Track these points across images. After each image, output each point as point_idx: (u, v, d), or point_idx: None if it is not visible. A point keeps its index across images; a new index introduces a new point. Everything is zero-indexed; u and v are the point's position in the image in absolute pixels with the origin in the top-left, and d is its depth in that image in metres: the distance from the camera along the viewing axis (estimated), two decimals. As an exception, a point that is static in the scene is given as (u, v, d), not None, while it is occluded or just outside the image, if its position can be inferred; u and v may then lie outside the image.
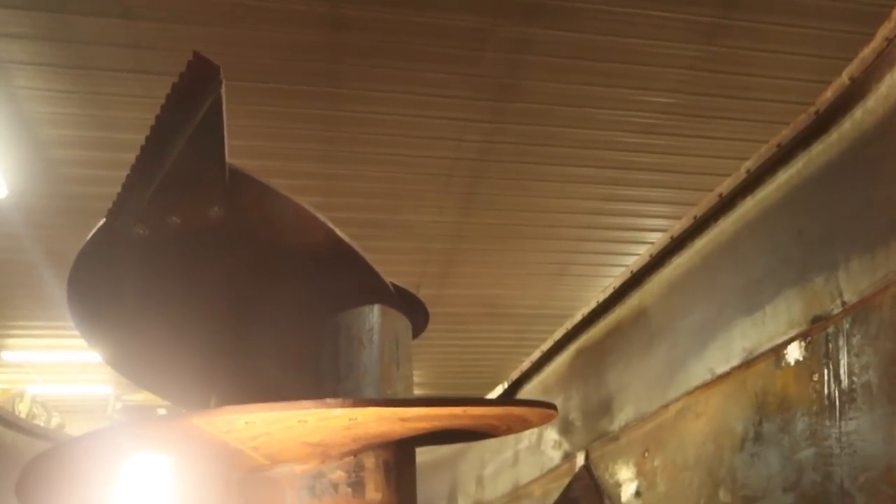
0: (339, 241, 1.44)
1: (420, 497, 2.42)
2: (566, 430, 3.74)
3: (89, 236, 1.41)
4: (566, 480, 3.46)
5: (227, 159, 1.31)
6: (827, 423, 1.95)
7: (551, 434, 3.93)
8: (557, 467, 3.74)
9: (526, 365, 4.46)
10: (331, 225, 1.44)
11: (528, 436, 4.26)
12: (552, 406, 1.49)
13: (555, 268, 7.58)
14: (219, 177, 1.32)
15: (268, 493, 1.39)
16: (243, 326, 1.60)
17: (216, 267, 1.52)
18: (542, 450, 4.01)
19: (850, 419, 1.87)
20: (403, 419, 1.28)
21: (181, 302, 1.58)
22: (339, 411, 1.19)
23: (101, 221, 1.39)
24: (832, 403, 1.95)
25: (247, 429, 1.21)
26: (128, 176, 1.31)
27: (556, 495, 3.54)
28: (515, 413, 1.47)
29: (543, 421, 1.60)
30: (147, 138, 1.26)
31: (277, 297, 1.57)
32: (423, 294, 2.00)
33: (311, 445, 1.34)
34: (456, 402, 1.26)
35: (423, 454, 5.09)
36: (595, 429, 3.39)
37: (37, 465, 1.32)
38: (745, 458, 2.26)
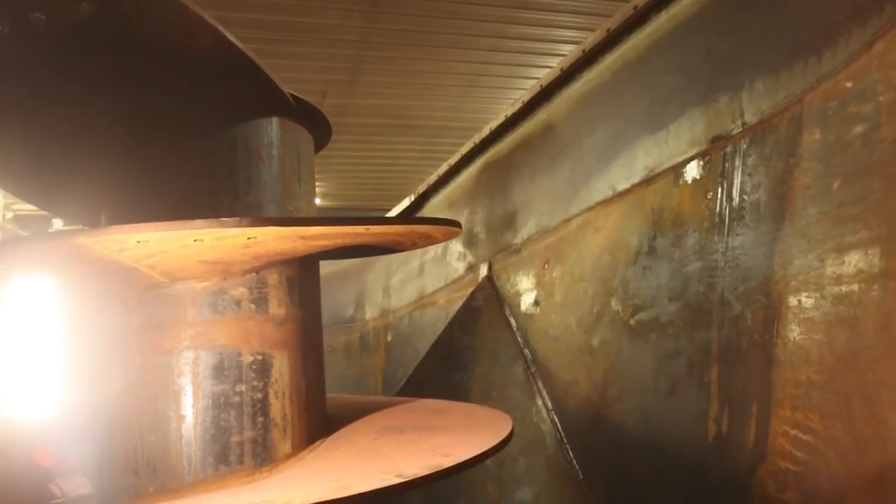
0: (231, 45, 1.31)
1: (327, 307, 2.48)
2: (471, 242, 3.85)
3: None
4: (469, 290, 3.61)
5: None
6: (715, 238, 2.06)
7: (456, 246, 4.04)
8: (461, 278, 3.89)
9: (433, 178, 4.46)
10: (220, 28, 1.29)
11: (434, 248, 4.37)
12: (456, 224, 1.49)
13: (465, 78, 7.41)
14: (85, -35, 1.14)
15: (167, 309, 1.36)
16: (131, 140, 1.47)
17: (95, 73, 1.36)
18: (448, 261, 4.14)
19: (737, 235, 1.98)
20: (304, 237, 1.24)
21: (59, 113, 1.43)
22: (236, 230, 1.14)
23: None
24: (722, 220, 2.05)
25: (139, 248, 1.14)
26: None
27: (459, 304, 3.71)
28: (419, 230, 1.46)
29: (448, 237, 1.60)
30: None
31: (166, 108, 1.44)
32: (327, 103, 1.89)
33: (210, 263, 1.30)
34: (358, 221, 1.23)
35: (330, 265, 5.19)
36: (498, 242, 3.49)
37: None
38: (638, 271, 2.39)
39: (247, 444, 1.35)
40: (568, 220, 2.87)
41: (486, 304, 3.39)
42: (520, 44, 6.86)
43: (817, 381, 1.65)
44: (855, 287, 1.57)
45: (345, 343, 5.59)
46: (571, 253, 2.83)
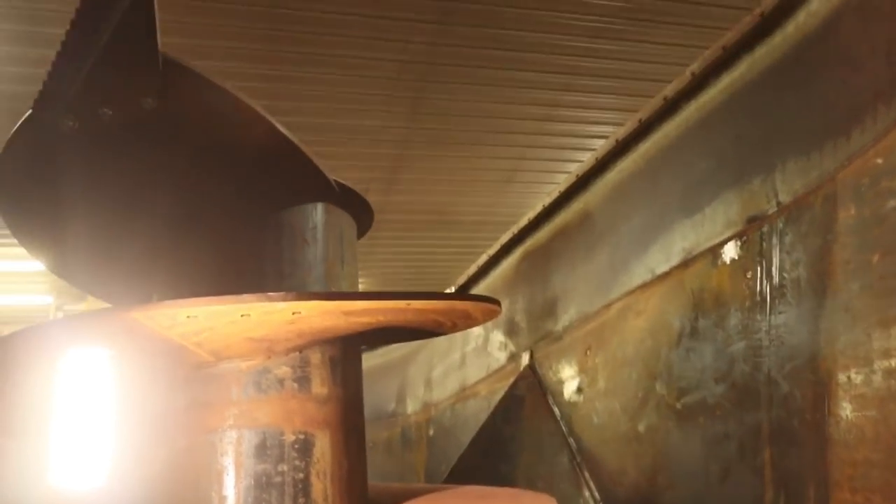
0: (280, 135, 1.40)
1: (370, 400, 2.48)
2: (512, 331, 3.84)
3: (14, 129, 1.34)
4: (511, 380, 3.58)
5: (161, 48, 1.24)
6: (758, 317, 2.04)
7: (497, 336, 4.03)
8: (503, 367, 3.86)
9: (472, 269, 4.52)
10: (271, 119, 1.39)
11: (475, 338, 4.37)
12: (495, 301, 1.52)
13: (502, 174, 7.58)
14: (151, 64, 1.25)
15: (213, 388, 1.39)
16: (184, 225, 1.55)
17: (153, 162, 1.46)
18: (489, 351, 4.13)
19: (780, 313, 1.96)
20: (347, 313, 1.28)
21: (118, 200, 1.52)
22: (281, 305, 1.18)
23: (27, 114, 1.32)
24: (763, 299, 2.03)
25: (189, 323, 1.19)
26: (53, 64, 1.23)
27: (501, 394, 3.67)
28: (459, 308, 1.49)
29: (487, 317, 1.63)
30: (72, 22, 1.18)
31: (217, 194, 1.53)
32: (370, 200, 1.97)
33: (256, 341, 1.34)
34: (399, 295, 1.27)
35: (374, 358, 5.22)
36: (539, 329, 3.48)
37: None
38: (681, 353, 2.37)
39: (288, 524, 1.35)
40: (608, 306, 2.87)
41: (528, 393, 3.35)
42: (554, 139, 7.04)
43: (875, 460, 1.58)
44: (904, 360, 1.53)
45: (386, 438, 5.52)
46: (613, 338, 2.81)
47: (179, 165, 1.44)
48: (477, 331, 4.35)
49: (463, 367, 4.54)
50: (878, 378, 1.61)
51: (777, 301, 1.98)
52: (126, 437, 1.26)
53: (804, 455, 1.82)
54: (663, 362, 2.46)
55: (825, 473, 1.74)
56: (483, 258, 4.47)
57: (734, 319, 2.14)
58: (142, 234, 1.56)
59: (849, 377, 1.69)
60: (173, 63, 1.28)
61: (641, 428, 2.54)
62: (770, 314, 1.99)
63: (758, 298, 2.05)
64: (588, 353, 3.00)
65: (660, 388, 2.46)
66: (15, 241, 1.61)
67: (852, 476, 1.65)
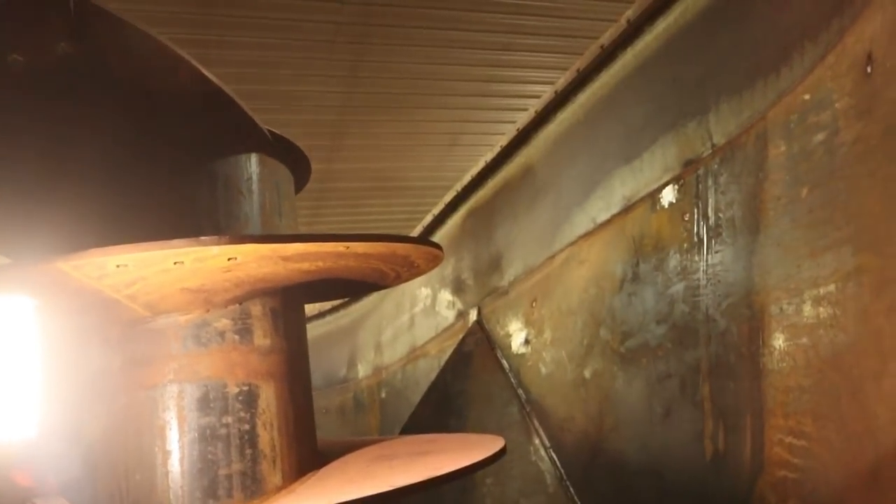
0: (208, 81, 1.35)
1: (319, 369, 2.44)
2: (459, 289, 3.86)
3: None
4: (460, 337, 3.60)
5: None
6: (696, 258, 2.09)
7: (445, 295, 4.05)
8: (451, 326, 3.89)
9: (418, 230, 4.51)
10: (197, 64, 1.33)
11: (423, 299, 4.38)
12: (436, 245, 1.51)
13: (446, 137, 7.54)
14: (63, 7, 1.19)
15: (151, 344, 1.35)
16: (112, 179, 1.49)
17: (74, 112, 1.39)
18: (437, 310, 4.14)
19: (716, 252, 2.01)
20: (285, 258, 1.25)
21: (41, 152, 1.45)
22: (215, 249, 1.15)
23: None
24: (700, 240, 2.08)
25: (119, 273, 1.15)
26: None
27: (450, 352, 3.70)
28: (400, 252, 1.47)
29: (430, 264, 1.62)
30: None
31: (146, 145, 1.47)
32: (312, 168, 1.92)
33: (192, 292, 1.30)
34: (338, 237, 1.25)
35: (323, 326, 5.18)
36: (486, 285, 3.51)
37: None
38: (624, 298, 2.41)
39: (235, 476, 1.33)
40: (552, 257, 2.90)
41: (477, 349, 3.38)
42: (496, 100, 7.02)
43: (806, 385, 1.65)
44: (832, 287, 1.59)
45: (339, 404, 5.52)
46: (558, 288, 2.84)
47: (102, 115, 1.37)
48: (425, 291, 4.35)
49: (412, 329, 4.55)
50: (807, 307, 1.66)
51: (713, 241, 2.02)
52: (61, 393, 1.22)
53: (741, 387, 1.88)
54: (607, 309, 2.50)
55: (760, 402, 1.80)
56: (428, 218, 4.47)
57: (673, 262, 2.18)
58: (65, 190, 1.49)
59: (781, 308, 1.75)
60: (87, 4, 1.22)
61: (587, 374, 2.59)
62: (707, 254, 2.04)
63: (695, 240, 2.09)
64: (534, 305, 3.03)
65: (604, 334, 2.51)
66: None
67: (785, 402, 1.71)
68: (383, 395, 4.93)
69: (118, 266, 1.13)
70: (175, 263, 1.16)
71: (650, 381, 2.25)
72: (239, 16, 5.15)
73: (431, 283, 4.22)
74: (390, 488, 1.13)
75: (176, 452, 1.31)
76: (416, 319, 4.51)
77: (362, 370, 5.35)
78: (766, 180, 1.84)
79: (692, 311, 2.09)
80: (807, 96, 1.72)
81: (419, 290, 4.41)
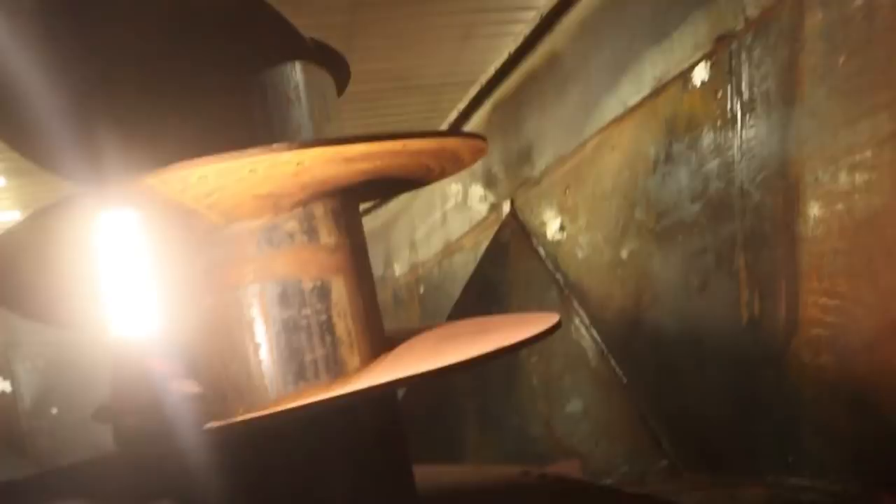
0: (249, -8, 1.39)
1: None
2: (490, 183, 3.93)
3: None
4: (495, 229, 3.71)
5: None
6: (729, 134, 2.13)
7: (476, 190, 4.13)
8: (485, 219, 3.99)
9: (444, 127, 4.53)
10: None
11: (454, 195, 4.47)
12: (482, 137, 1.58)
13: (459, 30, 7.38)
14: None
15: (229, 250, 1.46)
16: (160, 94, 1.56)
17: (118, 27, 1.45)
18: (469, 205, 4.23)
19: (751, 127, 2.05)
20: (348, 159, 1.33)
21: (87, 80, 1.52)
22: (287, 155, 1.23)
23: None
24: (734, 116, 2.12)
25: (200, 184, 1.24)
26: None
27: (486, 244, 3.81)
28: (449, 147, 1.54)
29: (474, 156, 1.68)
30: None
31: (192, 65, 1.53)
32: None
33: (262, 198, 1.40)
34: (395, 136, 1.32)
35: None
36: (517, 177, 3.57)
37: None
38: (658, 179, 2.47)
39: (320, 361, 1.47)
40: (583, 144, 2.95)
41: (513, 239, 3.49)
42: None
43: (841, 249, 1.73)
44: (868, 153, 1.64)
45: (379, 302, 5.72)
46: (590, 174, 2.90)
47: (144, 39, 1.43)
48: (455, 188, 4.43)
49: (445, 225, 4.66)
50: (843, 174, 1.72)
51: (748, 116, 2.06)
52: (160, 296, 1.34)
53: (776, 255, 1.97)
54: (641, 190, 2.57)
55: (795, 268, 1.89)
56: (453, 115, 4.48)
57: (707, 140, 2.23)
58: (115, 105, 1.57)
59: (816, 177, 1.81)
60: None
61: (624, 254, 2.69)
62: (741, 130, 2.08)
63: (729, 116, 2.13)
64: (567, 192, 3.10)
65: (639, 214, 2.59)
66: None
67: (819, 266, 1.80)
68: (422, 290, 5.11)
69: (199, 178, 1.22)
70: (250, 171, 1.25)
71: (686, 257, 2.35)
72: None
73: (462, 179, 4.29)
74: (465, 358, 1.25)
75: (265, 344, 1.45)
76: (448, 216, 4.61)
77: (399, 268, 5.52)
78: (802, 51, 1.85)
79: (727, 187, 2.16)
80: (843, -39, 1.71)
81: (449, 187, 4.48)
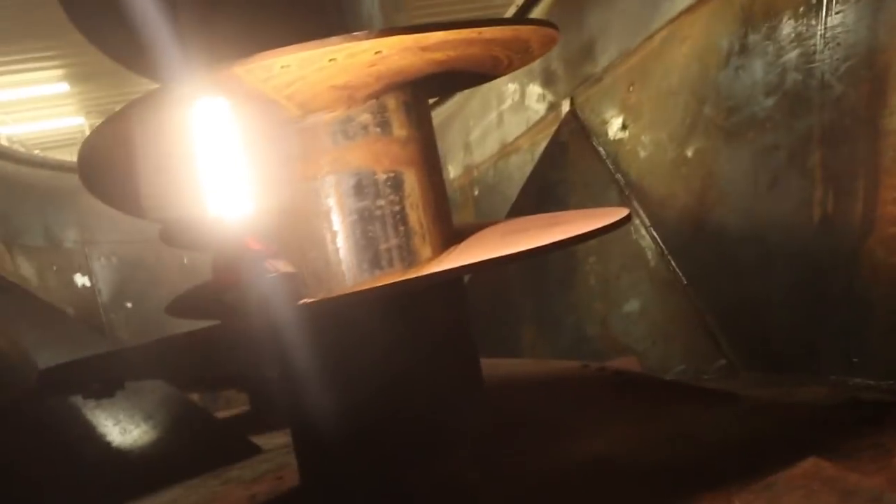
0: None
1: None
2: (549, 81, 3.84)
3: None
4: (553, 129, 3.65)
5: None
6: (812, 22, 2.02)
7: (534, 89, 4.04)
8: (543, 118, 3.91)
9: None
10: None
11: (511, 95, 4.38)
12: (554, 25, 1.54)
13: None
14: None
15: (306, 140, 1.49)
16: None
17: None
18: (527, 105, 4.15)
19: (836, 14, 1.94)
20: (424, 48, 1.32)
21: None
22: (366, 43, 1.23)
23: None
24: (819, 2, 2.00)
25: (282, 74, 1.26)
26: None
27: (544, 144, 3.76)
28: (522, 36, 1.51)
29: (544, 47, 1.65)
30: None
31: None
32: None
33: (339, 89, 1.41)
34: (472, 24, 1.30)
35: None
36: (578, 74, 3.48)
37: (98, 143, 1.40)
38: (730, 73, 2.38)
39: (394, 250, 1.51)
40: (650, 37, 2.83)
41: (572, 139, 3.44)
42: None
43: (928, 141, 1.67)
44: (967, 38, 1.55)
45: (432, 204, 5.75)
46: (657, 70, 2.81)
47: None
48: (512, 87, 4.34)
49: (501, 126, 4.60)
50: (937, 62, 1.63)
51: (834, 2, 1.95)
52: (250, 182, 1.38)
53: (855, 151, 1.91)
54: (711, 85, 2.48)
55: (876, 164, 1.83)
56: (511, 10, 4.33)
57: (787, 29, 2.12)
58: (204, 9, 1.57)
59: (907, 66, 1.72)
60: None
61: (689, 152, 2.63)
62: (826, 17, 1.97)
63: (813, 2, 2.02)
64: (631, 89, 3.02)
65: (708, 110, 2.51)
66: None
67: (905, 160, 1.74)
68: (476, 192, 5.11)
69: (282, 67, 1.23)
70: (330, 61, 1.25)
71: (756, 154, 2.29)
72: None
73: (518, 79, 4.19)
74: (534, 245, 1.27)
75: (341, 232, 1.49)
76: (504, 116, 4.54)
77: (453, 171, 5.50)
78: (899, -72, 1.73)
79: (805, 79, 2.07)
80: None
81: (506, 87, 4.39)
